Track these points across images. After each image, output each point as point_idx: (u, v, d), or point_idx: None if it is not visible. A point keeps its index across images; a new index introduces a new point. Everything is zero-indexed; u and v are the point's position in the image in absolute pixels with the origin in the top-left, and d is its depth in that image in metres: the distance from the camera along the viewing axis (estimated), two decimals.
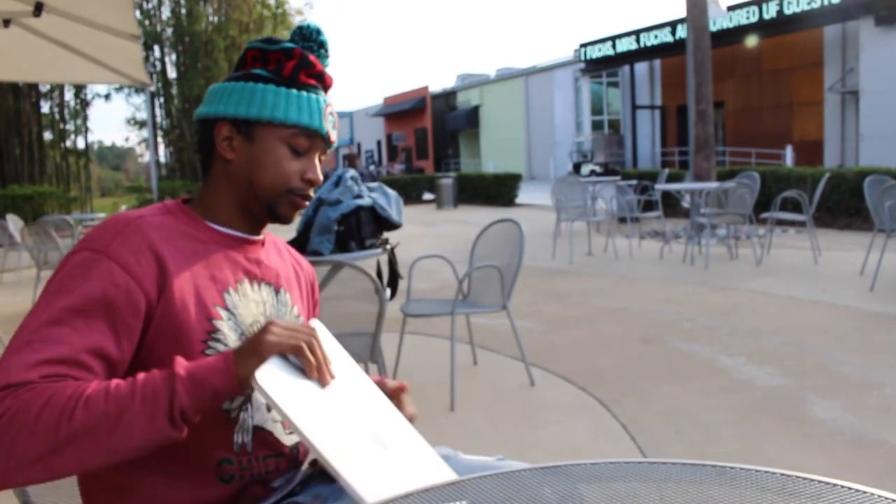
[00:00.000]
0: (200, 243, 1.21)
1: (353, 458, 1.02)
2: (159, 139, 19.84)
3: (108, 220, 1.16)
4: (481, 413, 3.66)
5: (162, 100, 19.80)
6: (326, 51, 1.29)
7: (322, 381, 1.07)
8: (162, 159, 20.44)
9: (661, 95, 29.97)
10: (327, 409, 1.06)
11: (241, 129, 1.24)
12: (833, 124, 22.52)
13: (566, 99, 35.65)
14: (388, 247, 3.68)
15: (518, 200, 18.44)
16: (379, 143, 50.51)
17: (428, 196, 20.94)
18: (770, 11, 21.89)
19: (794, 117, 24.92)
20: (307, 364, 1.06)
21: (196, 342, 1.13)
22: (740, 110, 27.33)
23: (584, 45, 31.12)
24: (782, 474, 0.92)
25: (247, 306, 1.24)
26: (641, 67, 30.08)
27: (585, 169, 30.27)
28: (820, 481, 0.89)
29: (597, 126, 33.77)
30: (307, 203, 1.29)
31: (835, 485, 0.87)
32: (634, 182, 10.68)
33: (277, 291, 1.32)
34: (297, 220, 3.79)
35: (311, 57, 1.26)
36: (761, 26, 22.32)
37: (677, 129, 28.87)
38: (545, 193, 18.04)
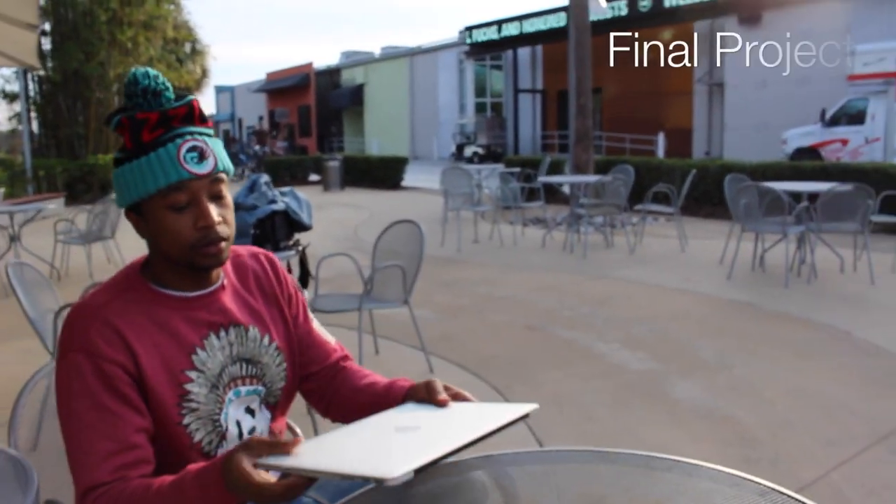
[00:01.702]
0: (162, 315, 1.30)
1: (359, 453, 1.07)
2: (33, 114, 18.88)
3: (74, 313, 1.27)
4: None
5: (36, 73, 18.84)
6: (154, 92, 1.26)
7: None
8: (37, 135, 19.49)
9: (542, 80, 30.86)
10: (334, 443, 1.14)
11: (137, 212, 1.30)
12: (701, 114, 24.00)
13: (450, 80, 36.11)
14: (300, 248, 3.95)
15: (404, 183, 18.75)
16: (261, 119, 49.52)
17: (314, 177, 20.94)
18: (645, 4, 23.11)
19: (666, 106, 26.36)
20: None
21: (171, 407, 1.27)
22: (617, 97, 28.62)
23: (469, 28, 31.61)
24: (647, 455, 1.29)
25: (215, 357, 1.34)
26: (524, 52, 30.86)
27: (468, 150, 30.93)
28: (674, 460, 1.27)
29: (480, 108, 34.44)
30: (220, 244, 1.29)
31: (677, 461, 1.26)
32: (518, 170, 11.19)
33: (247, 330, 1.39)
34: None
35: (140, 115, 1.25)
36: (637, 18, 23.47)
37: (558, 114, 29.83)
38: (430, 175, 18.42)
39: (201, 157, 1.27)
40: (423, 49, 38.11)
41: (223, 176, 1.31)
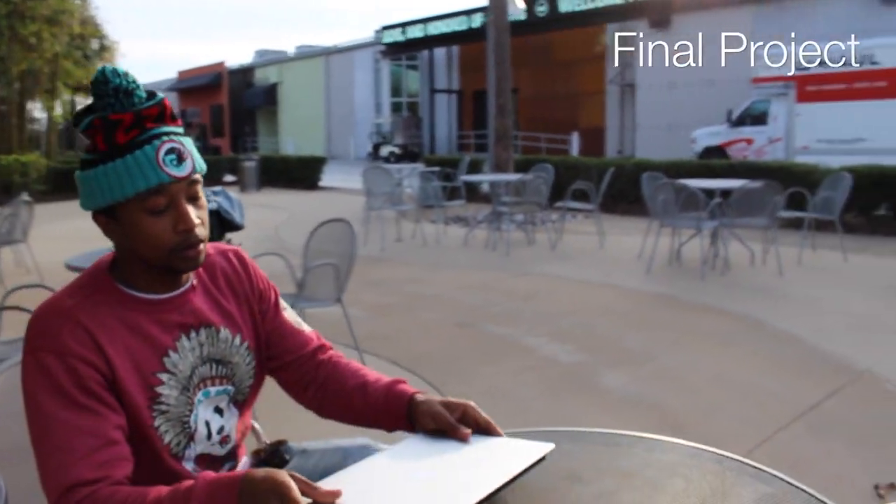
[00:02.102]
0: (132, 318, 1.27)
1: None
2: None
3: (43, 313, 1.22)
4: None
5: None
6: (126, 91, 1.22)
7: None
8: None
9: (458, 80, 31.10)
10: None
11: (108, 215, 1.25)
12: (614, 114, 24.65)
13: (366, 80, 36.03)
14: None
15: (321, 183, 18.60)
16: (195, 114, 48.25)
17: (229, 178, 20.54)
18: (563, 7, 23.64)
19: (579, 106, 26.97)
20: None
21: (143, 409, 1.25)
22: (532, 98, 29.10)
23: (385, 28, 31.61)
24: (611, 433, 1.38)
25: (186, 359, 1.31)
26: (440, 52, 31.04)
27: (385, 150, 30.96)
28: (637, 436, 1.34)
29: (396, 108, 34.49)
30: (199, 246, 1.27)
31: (640, 437, 1.35)
32: (437, 169, 11.25)
33: (218, 331, 1.37)
34: None
35: (113, 116, 1.21)
36: (553, 20, 23.95)
37: (473, 114, 30.11)
38: (347, 175, 18.34)
39: (179, 158, 1.23)
40: (338, 48, 37.90)
41: (199, 177, 1.28)
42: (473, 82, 29.03)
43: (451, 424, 1.29)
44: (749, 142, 17.52)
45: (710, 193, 6.93)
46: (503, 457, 1.23)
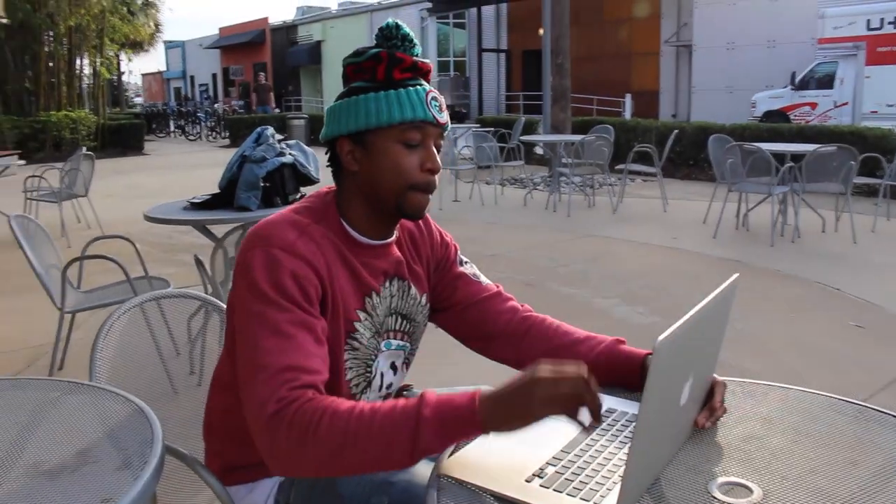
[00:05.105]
0: (346, 253, 1.33)
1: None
2: None
3: (275, 222, 1.27)
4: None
5: None
6: (412, 41, 1.34)
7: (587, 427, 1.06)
8: None
9: (507, 39, 30.63)
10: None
11: (357, 142, 1.32)
12: (668, 75, 24.10)
13: None
14: None
15: None
16: (214, 76, 48.36)
17: (277, 136, 20.63)
18: None
19: (632, 67, 26.39)
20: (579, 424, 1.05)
21: (341, 336, 1.31)
22: (583, 58, 28.57)
23: None
24: (741, 381, 1.33)
25: (383, 304, 1.39)
26: (488, 10, 30.52)
27: None
28: (767, 384, 1.30)
29: (442, 68, 34.11)
30: (430, 195, 1.35)
31: (770, 385, 1.33)
32: (491, 129, 11.15)
33: (410, 287, 1.45)
34: (214, 176, 3.90)
35: (399, 54, 1.31)
36: None
37: (522, 75, 29.70)
38: None
39: (441, 108, 1.34)
40: (382, 5, 37.49)
41: (445, 134, 1.37)
42: (522, 42, 28.57)
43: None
44: (813, 106, 17.00)
45: (779, 158, 6.76)
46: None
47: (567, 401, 1.02)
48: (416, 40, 1.36)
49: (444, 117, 1.34)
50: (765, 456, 1.13)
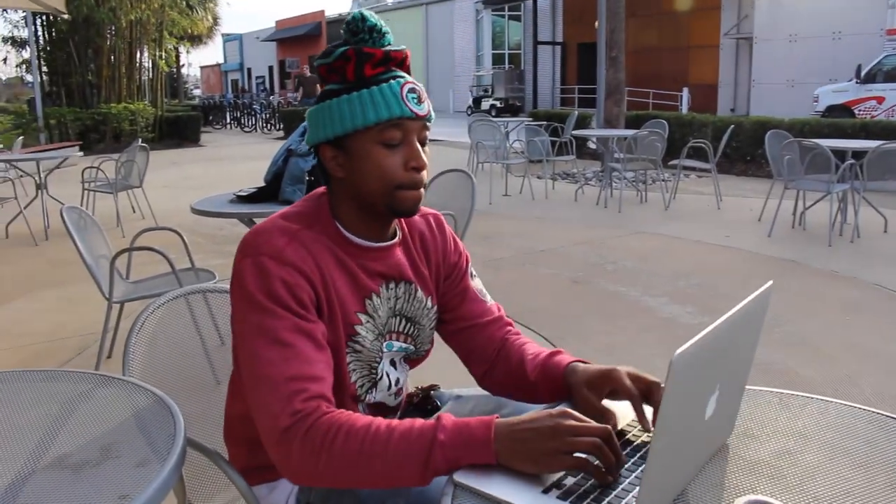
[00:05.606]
0: (345, 256, 1.30)
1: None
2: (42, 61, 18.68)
3: (266, 228, 1.25)
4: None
5: (44, 18, 18.56)
6: (380, 32, 1.28)
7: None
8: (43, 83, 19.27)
9: (562, 32, 30.34)
10: None
11: (339, 147, 1.28)
12: (727, 69, 23.59)
13: (467, 31, 35.59)
14: None
15: None
16: (271, 69, 48.98)
17: None
18: None
19: (690, 60, 25.89)
20: (593, 474, 1.03)
21: (342, 340, 1.29)
22: (639, 51, 28.13)
23: None
24: (779, 392, 1.28)
25: (384, 306, 1.35)
26: (544, 2, 30.30)
27: (486, 103, 30.58)
28: (806, 396, 1.24)
29: (497, 60, 33.93)
30: (421, 190, 1.30)
31: (809, 397, 1.27)
32: (544, 123, 11.04)
33: (416, 290, 1.41)
34: (265, 169, 3.93)
35: (367, 49, 1.26)
36: None
37: (578, 68, 29.40)
38: (448, 128, 18.26)
39: (419, 99, 1.28)
40: None
41: (429, 125, 1.32)
42: (577, 34, 28.26)
43: (598, 409, 1.25)
44: (880, 100, 16.41)
45: (840, 154, 6.54)
46: None
47: (577, 461, 1.03)
48: (385, 29, 1.29)
49: (424, 108, 1.28)
50: (797, 474, 1.07)
